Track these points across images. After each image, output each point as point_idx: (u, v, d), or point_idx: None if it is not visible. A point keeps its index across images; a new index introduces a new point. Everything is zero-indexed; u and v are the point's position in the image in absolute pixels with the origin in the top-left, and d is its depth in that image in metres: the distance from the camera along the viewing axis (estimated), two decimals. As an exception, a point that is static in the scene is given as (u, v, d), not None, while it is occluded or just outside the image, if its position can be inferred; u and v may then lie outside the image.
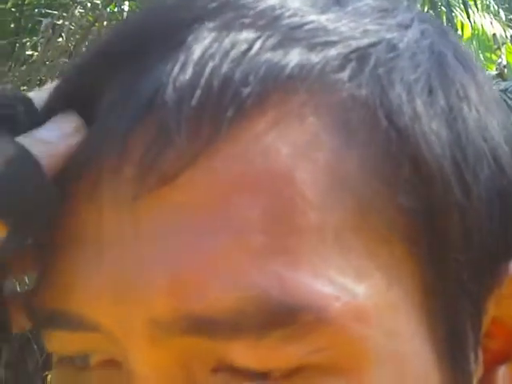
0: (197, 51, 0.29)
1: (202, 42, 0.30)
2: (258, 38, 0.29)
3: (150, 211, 0.29)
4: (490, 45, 4.33)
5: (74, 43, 3.10)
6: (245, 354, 0.28)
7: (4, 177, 0.28)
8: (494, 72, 4.21)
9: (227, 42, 0.29)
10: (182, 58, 0.29)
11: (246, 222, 0.28)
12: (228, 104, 0.28)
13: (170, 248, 0.28)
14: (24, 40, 3.22)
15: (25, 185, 0.28)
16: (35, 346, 3.41)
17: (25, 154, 0.29)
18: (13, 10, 3.27)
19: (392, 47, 0.31)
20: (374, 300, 0.29)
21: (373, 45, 0.31)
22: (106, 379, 0.32)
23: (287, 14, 0.31)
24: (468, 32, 4.03)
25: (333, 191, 0.28)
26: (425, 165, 0.30)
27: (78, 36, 3.17)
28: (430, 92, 0.31)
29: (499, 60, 4.67)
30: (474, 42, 4.20)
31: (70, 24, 3.12)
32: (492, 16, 3.92)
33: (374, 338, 0.29)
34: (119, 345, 0.30)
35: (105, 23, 3.21)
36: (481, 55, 4.36)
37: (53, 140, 0.31)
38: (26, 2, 3.26)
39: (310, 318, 0.27)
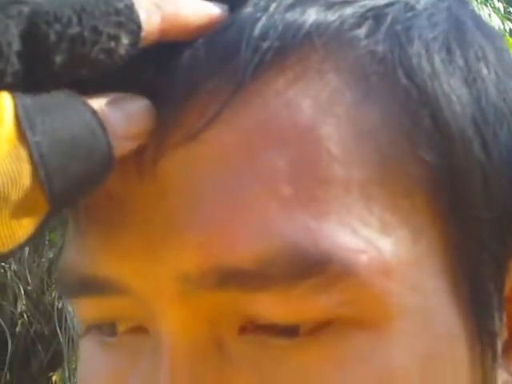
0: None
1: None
2: None
3: (175, 167, 0.29)
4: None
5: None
6: (274, 306, 0.28)
7: (71, 153, 0.25)
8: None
9: (251, 1, 0.30)
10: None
11: (273, 172, 0.28)
12: (249, 59, 0.28)
13: (197, 201, 0.28)
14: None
15: (90, 167, 0.26)
16: (39, 347, 3.34)
17: (97, 130, 0.26)
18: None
19: (409, 7, 0.32)
20: (399, 254, 0.29)
21: (389, 5, 0.31)
22: (133, 346, 0.31)
23: None
24: (467, 25, 4.00)
25: (356, 145, 0.29)
26: (444, 122, 0.30)
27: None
28: (448, 51, 0.31)
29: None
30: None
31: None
32: (490, 8, 3.91)
33: (398, 293, 0.29)
34: (147, 307, 0.30)
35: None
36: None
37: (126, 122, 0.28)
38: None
39: (338, 269, 0.28)
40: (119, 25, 0.26)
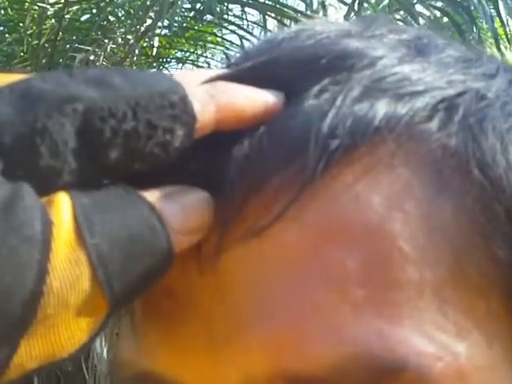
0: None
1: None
2: (341, 89, 0.29)
3: (237, 262, 0.28)
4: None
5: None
6: None
7: (131, 252, 0.25)
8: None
9: (313, 92, 0.29)
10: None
11: (343, 273, 0.27)
12: (318, 157, 0.27)
13: (262, 300, 0.27)
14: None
15: (150, 264, 0.25)
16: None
17: (157, 227, 0.25)
18: (46, 45, 3.31)
19: (481, 97, 0.31)
20: (475, 360, 0.28)
21: (460, 95, 0.30)
22: None
23: (369, 64, 0.30)
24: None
25: (429, 243, 0.27)
26: None
27: (110, 71, 3.34)
28: None
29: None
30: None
31: (103, 59, 3.18)
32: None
33: None
34: None
35: (135, 58, 3.29)
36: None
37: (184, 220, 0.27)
38: (58, 38, 3.29)
39: (413, 377, 0.26)
40: (174, 118, 0.26)
